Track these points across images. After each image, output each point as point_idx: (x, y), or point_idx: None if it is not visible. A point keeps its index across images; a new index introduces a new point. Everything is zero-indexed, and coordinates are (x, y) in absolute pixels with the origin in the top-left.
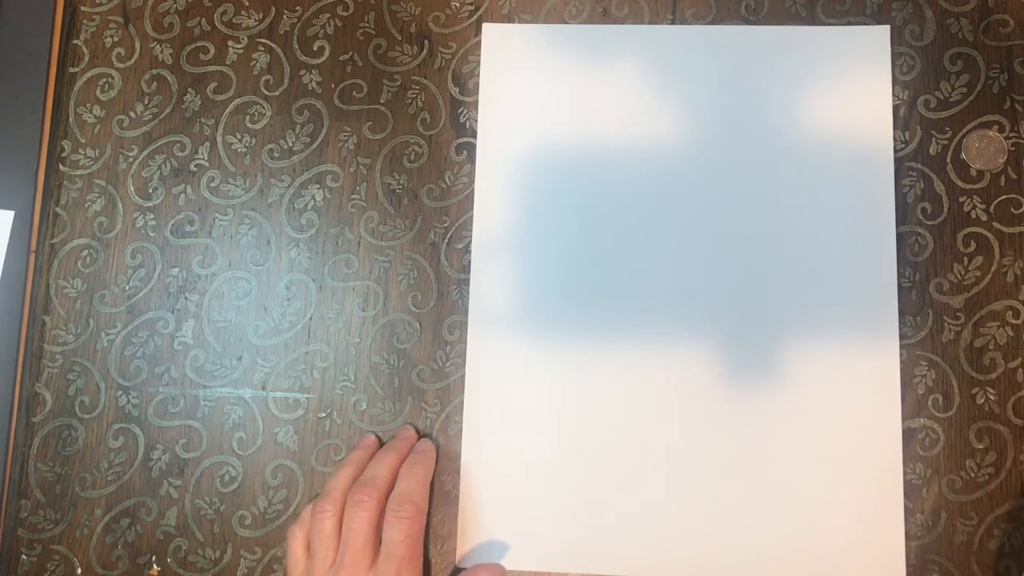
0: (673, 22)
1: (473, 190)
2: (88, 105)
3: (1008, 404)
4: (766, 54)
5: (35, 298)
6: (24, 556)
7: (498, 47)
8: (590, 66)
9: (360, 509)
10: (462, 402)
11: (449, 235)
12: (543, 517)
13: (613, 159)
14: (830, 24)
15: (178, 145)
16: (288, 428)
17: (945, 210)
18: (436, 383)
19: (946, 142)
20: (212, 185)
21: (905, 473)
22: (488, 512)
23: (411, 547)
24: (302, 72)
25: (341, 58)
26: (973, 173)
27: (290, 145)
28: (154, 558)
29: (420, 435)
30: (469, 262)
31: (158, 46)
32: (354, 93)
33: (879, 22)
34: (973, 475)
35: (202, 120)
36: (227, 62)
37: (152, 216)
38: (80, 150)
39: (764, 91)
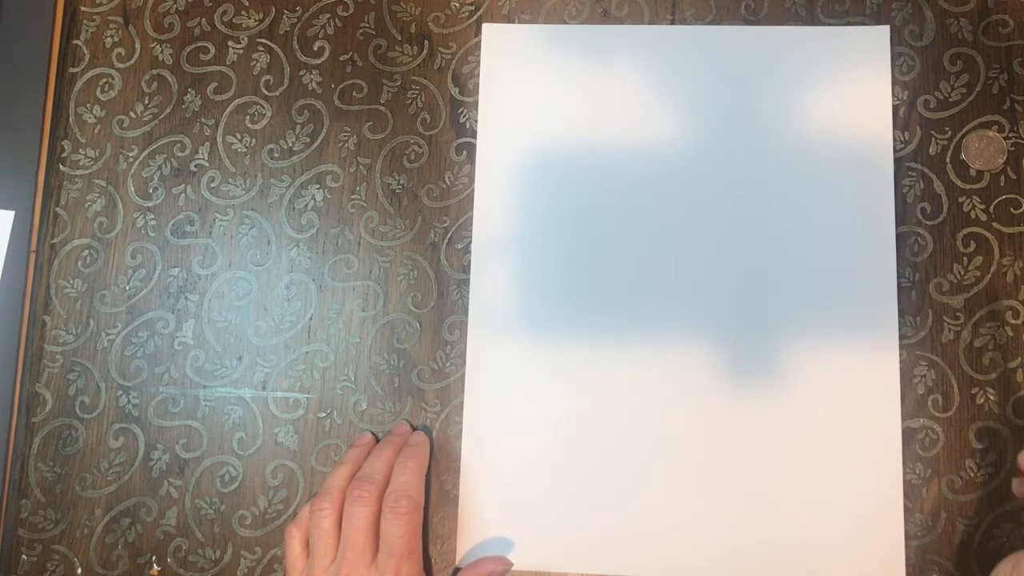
0: (673, 22)
1: (473, 190)
2: (88, 105)
3: (1008, 404)
4: (766, 54)
5: (35, 298)
6: (24, 556)
7: (498, 47)
8: (590, 66)
9: (359, 505)
10: (462, 402)
11: (449, 235)
12: (543, 517)
13: (613, 159)
14: (830, 24)
15: (178, 145)
16: (288, 428)
17: (945, 210)
18: (436, 383)
19: (946, 142)
20: (212, 185)
21: (905, 473)
22: (488, 512)
23: (410, 542)
24: (302, 72)
25: (341, 58)
26: (973, 173)
27: (290, 145)
28: (154, 558)
29: (415, 430)
30: (469, 262)
31: (158, 46)
32: (354, 93)
33: (879, 22)
34: (973, 475)
35: (202, 120)
36: (227, 62)
37: (152, 216)
38: (80, 150)
39: (764, 91)
